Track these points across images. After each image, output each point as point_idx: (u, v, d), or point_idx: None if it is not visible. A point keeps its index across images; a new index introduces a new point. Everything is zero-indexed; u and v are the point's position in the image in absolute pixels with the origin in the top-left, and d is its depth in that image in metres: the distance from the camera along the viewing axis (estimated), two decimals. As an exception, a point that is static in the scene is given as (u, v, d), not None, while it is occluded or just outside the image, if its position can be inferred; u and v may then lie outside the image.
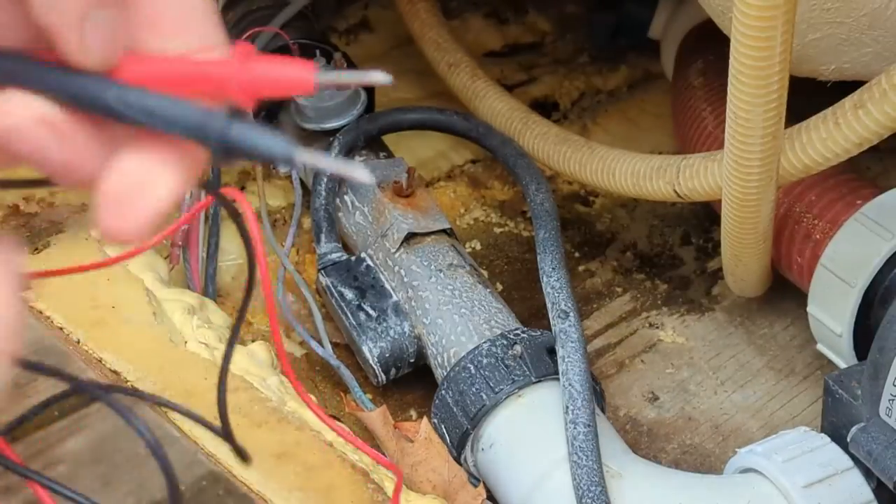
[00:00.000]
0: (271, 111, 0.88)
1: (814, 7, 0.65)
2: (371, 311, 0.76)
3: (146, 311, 0.71)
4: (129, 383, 0.66)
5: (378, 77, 0.34)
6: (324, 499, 0.63)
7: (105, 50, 0.35)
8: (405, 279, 0.76)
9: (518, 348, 0.70)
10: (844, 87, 0.66)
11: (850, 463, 0.65)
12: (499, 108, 0.90)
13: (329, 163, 0.33)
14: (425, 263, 0.77)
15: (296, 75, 0.33)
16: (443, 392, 0.71)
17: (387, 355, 0.75)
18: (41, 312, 0.69)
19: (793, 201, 0.76)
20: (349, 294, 0.77)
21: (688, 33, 0.93)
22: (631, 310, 0.86)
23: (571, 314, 0.70)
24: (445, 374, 0.72)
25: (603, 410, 0.72)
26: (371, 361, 0.75)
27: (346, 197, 0.82)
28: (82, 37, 0.34)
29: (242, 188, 0.91)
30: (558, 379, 0.68)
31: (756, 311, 0.85)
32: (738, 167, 0.66)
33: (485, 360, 0.70)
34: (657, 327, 0.85)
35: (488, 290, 0.76)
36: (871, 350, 0.65)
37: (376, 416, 0.72)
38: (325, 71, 0.33)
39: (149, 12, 0.35)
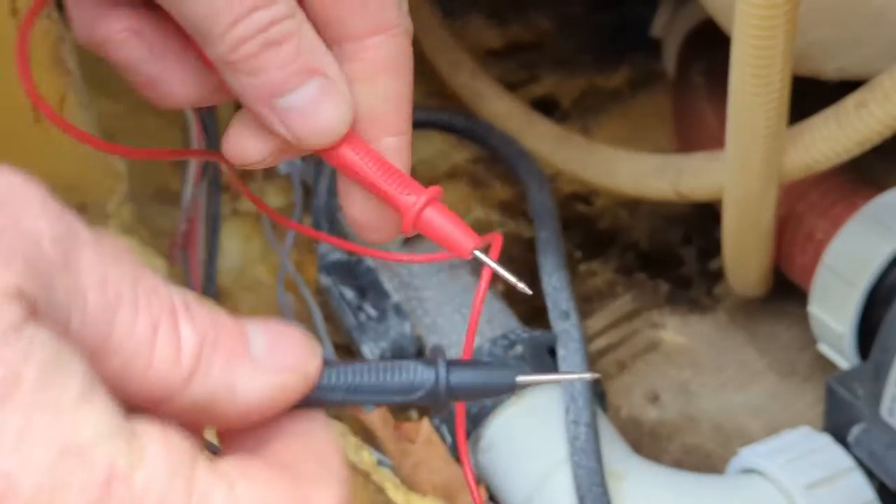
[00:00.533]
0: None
1: (816, 6, 0.64)
2: (371, 311, 0.76)
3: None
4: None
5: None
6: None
7: (313, 132, 0.37)
8: (406, 279, 0.76)
9: (519, 348, 0.70)
10: (846, 87, 0.65)
11: (853, 463, 0.65)
12: (499, 108, 0.90)
13: (555, 378, 0.37)
14: (426, 263, 0.77)
15: (455, 243, 0.38)
16: (443, 392, 0.71)
17: (387, 355, 0.75)
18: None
19: (794, 201, 0.76)
20: (350, 294, 0.77)
21: (689, 32, 0.93)
22: (632, 310, 0.86)
23: (572, 314, 0.70)
24: (446, 374, 0.71)
25: (604, 411, 0.72)
26: (371, 362, 0.75)
27: (346, 197, 0.82)
28: (283, 125, 0.36)
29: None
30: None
31: (758, 311, 0.85)
32: (740, 167, 0.66)
33: (486, 361, 0.70)
34: (659, 327, 0.84)
35: (489, 290, 0.76)
36: (872, 350, 0.64)
37: (376, 417, 0.72)
38: (481, 252, 0.37)
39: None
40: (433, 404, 0.34)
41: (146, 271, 0.29)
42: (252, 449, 0.31)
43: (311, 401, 0.32)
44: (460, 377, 0.34)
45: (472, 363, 0.34)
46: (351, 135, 0.38)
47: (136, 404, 0.28)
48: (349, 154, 0.38)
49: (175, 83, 0.38)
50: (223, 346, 0.29)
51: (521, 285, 0.38)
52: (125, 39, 0.37)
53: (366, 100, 0.38)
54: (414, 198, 0.38)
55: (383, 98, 0.38)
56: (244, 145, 0.38)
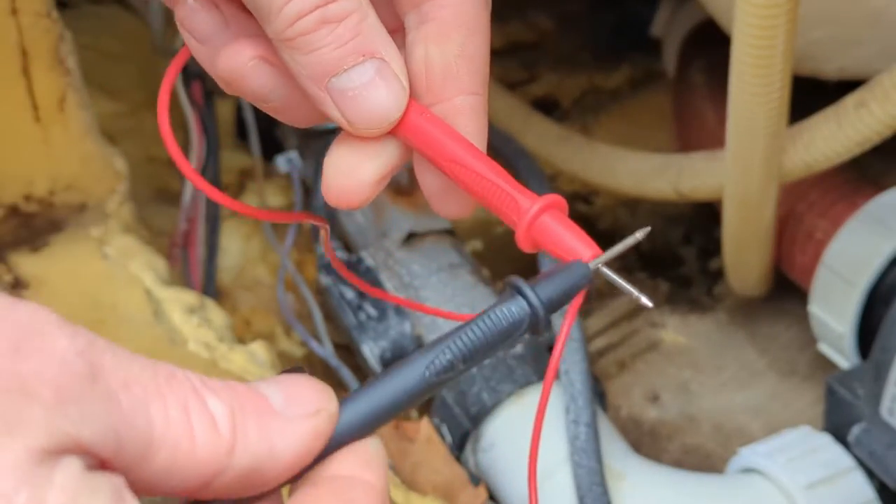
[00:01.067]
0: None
1: (816, 6, 0.64)
2: (372, 311, 0.76)
3: (146, 311, 0.71)
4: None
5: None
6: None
7: (366, 116, 0.36)
8: (405, 279, 0.76)
9: (519, 348, 0.70)
10: (846, 87, 0.65)
11: (853, 463, 0.65)
12: (500, 107, 0.90)
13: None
14: (426, 263, 0.77)
15: (573, 253, 0.36)
16: (443, 392, 0.71)
17: (387, 355, 0.75)
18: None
19: (794, 201, 0.76)
20: (350, 293, 0.77)
21: (690, 31, 0.93)
22: (632, 309, 0.86)
23: (572, 314, 0.70)
24: (446, 374, 0.71)
25: (604, 410, 0.72)
26: (371, 361, 0.75)
27: (346, 196, 0.82)
28: (336, 108, 0.35)
29: (242, 187, 0.91)
30: (559, 378, 0.68)
31: (758, 310, 0.85)
32: (740, 167, 0.66)
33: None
34: (659, 327, 0.84)
35: (489, 289, 0.76)
36: (872, 349, 0.64)
37: (377, 417, 0.72)
38: (598, 261, 0.35)
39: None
40: (533, 330, 0.34)
41: (159, 362, 0.29)
42: None
43: (432, 387, 0.33)
44: (548, 291, 0.34)
45: (544, 276, 0.34)
46: (457, 135, 0.37)
47: (190, 489, 0.29)
48: (459, 151, 0.37)
49: (305, 105, 0.37)
50: (250, 409, 0.30)
51: (644, 298, 0.37)
52: (255, 67, 0.37)
53: (439, 58, 0.37)
54: (529, 202, 0.36)
55: (457, 55, 0.37)
56: (347, 179, 0.37)
